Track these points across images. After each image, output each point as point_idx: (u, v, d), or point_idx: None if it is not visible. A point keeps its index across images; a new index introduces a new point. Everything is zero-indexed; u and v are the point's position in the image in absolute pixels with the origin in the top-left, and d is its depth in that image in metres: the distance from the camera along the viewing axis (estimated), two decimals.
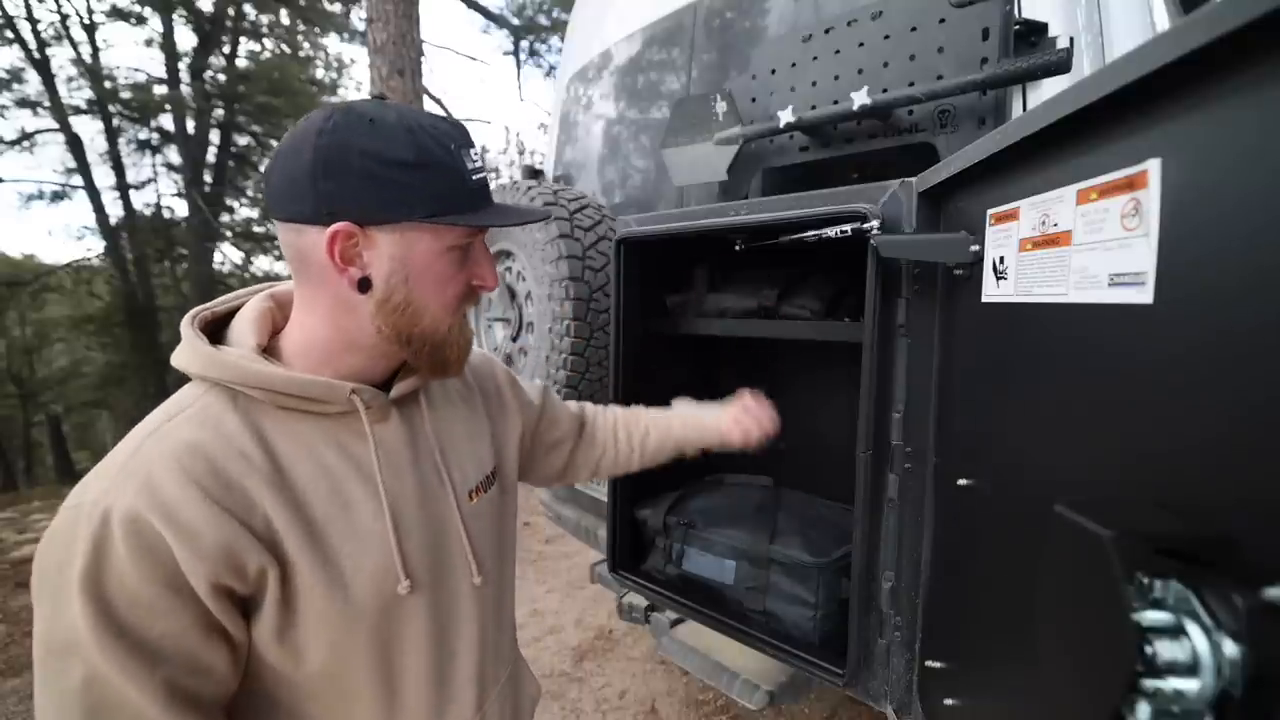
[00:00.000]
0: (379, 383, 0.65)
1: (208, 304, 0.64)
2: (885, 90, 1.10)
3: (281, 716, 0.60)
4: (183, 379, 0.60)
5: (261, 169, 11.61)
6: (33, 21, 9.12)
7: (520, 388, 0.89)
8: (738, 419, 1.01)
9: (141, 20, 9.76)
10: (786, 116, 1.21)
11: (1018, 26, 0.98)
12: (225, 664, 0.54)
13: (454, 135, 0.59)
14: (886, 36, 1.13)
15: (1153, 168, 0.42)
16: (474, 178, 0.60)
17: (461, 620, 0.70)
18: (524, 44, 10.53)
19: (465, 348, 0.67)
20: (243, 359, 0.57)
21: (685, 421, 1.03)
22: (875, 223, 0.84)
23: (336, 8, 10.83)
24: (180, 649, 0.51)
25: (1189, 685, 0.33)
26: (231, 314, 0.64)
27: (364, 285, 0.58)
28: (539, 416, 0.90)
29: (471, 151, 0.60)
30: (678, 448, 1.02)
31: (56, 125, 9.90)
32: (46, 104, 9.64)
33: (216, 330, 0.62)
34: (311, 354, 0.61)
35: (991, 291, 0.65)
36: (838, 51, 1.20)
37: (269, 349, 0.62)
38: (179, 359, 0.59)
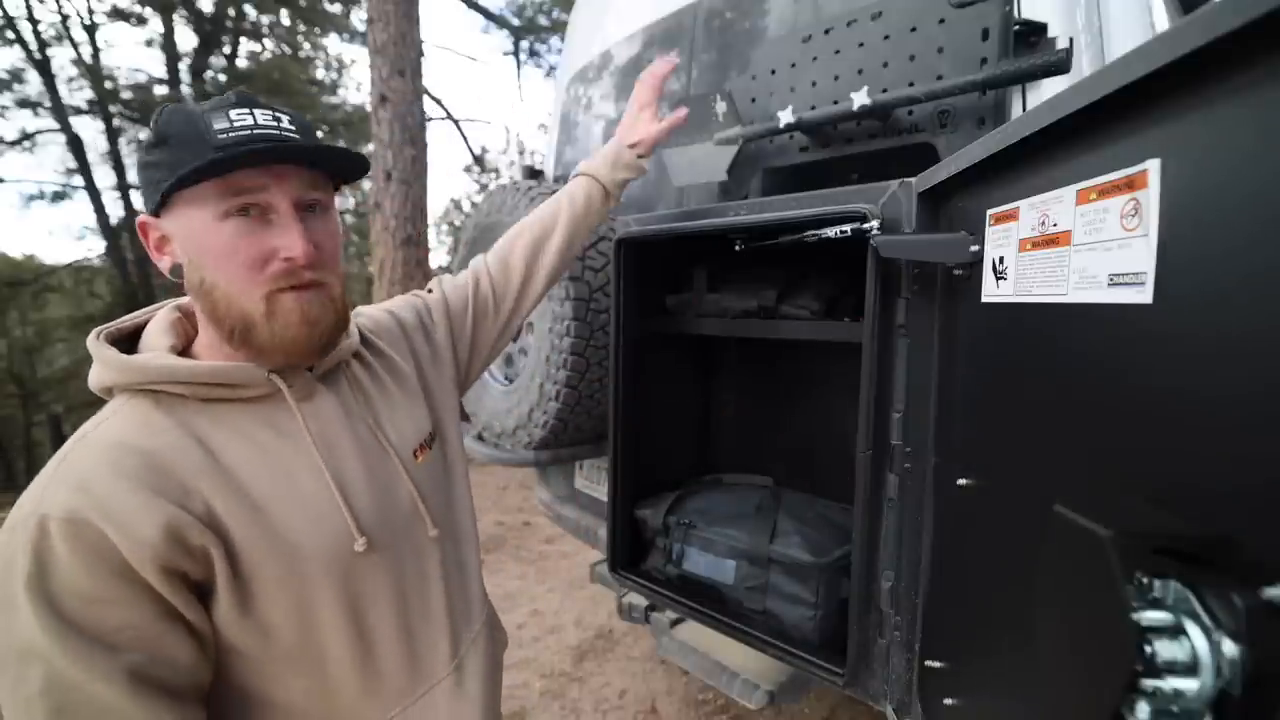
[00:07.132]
0: (306, 365, 0.65)
1: (111, 322, 0.64)
2: (885, 90, 1.09)
3: (259, 709, 0.60)
4: None
5: None
6: (33, 22, 9.12)
7: (427, 318, 0.87)
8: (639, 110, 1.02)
9: (142, 21, 9.77)
10: (786, 117, 1.21)
11: (1017, 27, 0.98)
12: (189, 654, 0.54)
13: (213, 104, 0.57)
14: (886, 37, 1.13)
15: (1152, 168, 0.42)
16: (221, 135, 0.55)
17: (427, 571, 0.73)
18: (524, 44, 10.55)
19: (285, 332, 0.59)
20: (156, 358, 0.57)
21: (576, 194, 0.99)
22: (875, 223, 0.84)
23: (336, 8, 10.82)
24: (139, 639, 0.50)
25: (1188, 684, 0.33)
26: (139, 329, 0.64)
27: (175, 272, 0.60)
28: (468, 315, 0.90)
29: (233, 112, 0.56)
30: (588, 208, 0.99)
31: (57, 125, 9.91)
32: (47, 104, 9.65)
33: (129, 347, 0.62)
34: (216, 349, 0.62)
35: (991, 291, 0.65)
36: (837, 52, 1.20)
37: (184, 353, 0.62)
38: (93, 379, 0.59)
